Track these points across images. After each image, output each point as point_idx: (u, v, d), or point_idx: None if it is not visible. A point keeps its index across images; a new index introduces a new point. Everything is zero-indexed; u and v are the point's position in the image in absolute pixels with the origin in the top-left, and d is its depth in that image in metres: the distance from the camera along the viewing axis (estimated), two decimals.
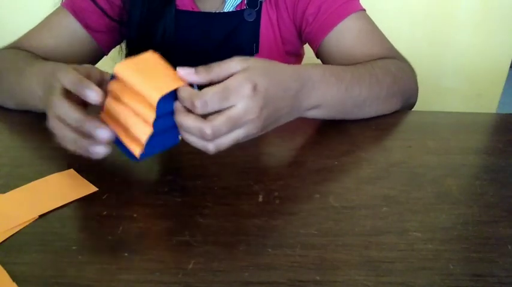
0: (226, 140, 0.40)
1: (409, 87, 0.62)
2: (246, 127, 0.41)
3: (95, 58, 0.73)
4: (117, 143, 0.42)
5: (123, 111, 0.40)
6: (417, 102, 0.66)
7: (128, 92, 0.40)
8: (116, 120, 0.41)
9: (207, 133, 0.38)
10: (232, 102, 0.39)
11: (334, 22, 0.63)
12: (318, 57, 0.69)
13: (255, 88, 0.40)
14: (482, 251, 0.35)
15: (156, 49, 0.43)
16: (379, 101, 0.56)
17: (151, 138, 0.40)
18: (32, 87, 0.52)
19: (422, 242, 0.36)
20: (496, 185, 0.44)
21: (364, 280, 0.32)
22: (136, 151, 0.40)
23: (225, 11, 0.69)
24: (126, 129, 0.41)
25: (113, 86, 0.41)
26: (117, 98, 0.41)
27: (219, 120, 0.39)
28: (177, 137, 0.43)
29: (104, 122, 0.41)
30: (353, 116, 0.56)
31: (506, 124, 0.60)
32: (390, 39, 0.66)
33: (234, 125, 0.39)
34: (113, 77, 0.41)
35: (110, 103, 0.41)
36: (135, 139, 0.40)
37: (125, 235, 0.36)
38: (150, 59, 0.41)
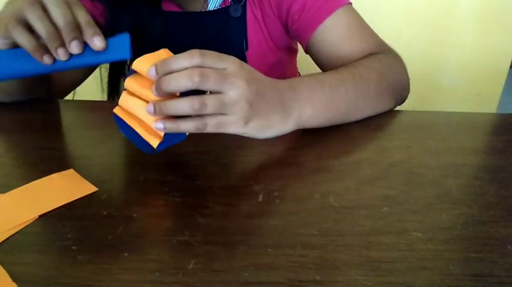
0: (213, 120, 0.41)
1: (398, 81, 0.61)
2: (233, 106, 0.41)
3: None
4: (128, 135, 0.44)
5: (140, 105, 0.42)
6: (417, 102, 0.66)
7: (146, 85, 0.41)
8: (131, 115, 0.43)
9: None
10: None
11: (321, 18, 0.63)
12: (307, 53, 0.69)
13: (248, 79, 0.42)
14: (482, 251, 0.35)
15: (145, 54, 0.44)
16: (371, 98, 0.56)
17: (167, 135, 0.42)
18: None
19: (422, 242, 0.36)
20: (496, 185, 0.44)
21: (364, 280, 0.32)
22: (155, 143, 0.42)
23: (210, 9, 0.69)
24: (142, 123, 0.42)
25: (129, 82, 0.43)
26: (132, 94, 0.43)
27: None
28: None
29: (118, 114, 0.43)
30: (352, 117, 0.56)
31: (506, 124, 0.60)
32: (390, 39, 0.66)
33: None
34: (130, 72, 0.43)
35: (126, 98, 0.43)
36: (152, 131, 0.42)
37: (124, 235, 0.36)
38: (164, 55, 0.43)
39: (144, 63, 0.42)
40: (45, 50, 0.45)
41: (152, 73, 0.40)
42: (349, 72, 0.55)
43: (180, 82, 0.39)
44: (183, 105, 0.40)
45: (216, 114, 0.41)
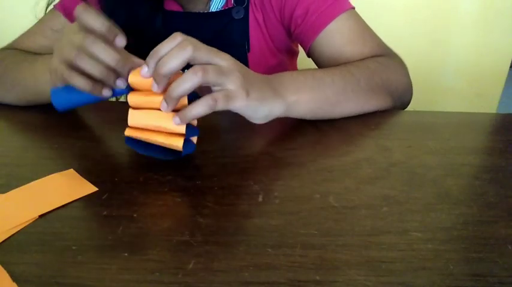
0: (220, 94, 0.43)
1: (396, 81, 0.61)
2: (229, 76, 0.44)
3: None
4: (147, 152, 0.45)
5: (151, 113, 0.43)
6: (417, 102, 0.66)
7: (148, 93, 0.43)
8: (144, 129, 0.44)
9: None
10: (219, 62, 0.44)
11: (324, 23, 0.63)
12: (309, 57, 0.69)
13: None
14: (482, 251, 0.35)
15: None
16: (362, 91, 0.57)
17: (187, 132, 0.43)
18: (45, 71, 0.54)
19: (422, 242, 0.36)
20: (496, 185, 0.44)
21: (364, 280, 0.32)
22: (180, 143, 0.43)
23: (212, 10, 0.69)
24: (158, 132, 0.43)
25: (131, 98, 0.44)
26: (138, 108, 0.44)
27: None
28: (193, 144, 0.47)
29: (131, 135, 0.44)
30: (344, 108, 0.57)
31: (506, 124, 0.60)
32: (390, 39, 0.66)
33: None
34: (128, 89, 0.44)
35: (134, 115, 0.43)
36: (173, 135, 0.43)
37: (124, 235, 0.36)
38: None
39: (137, 73, 0.43)
40: (102, 85, 0.47)
41: (144, 70, 0.42)
42: (338, 68, 0.57)
43: (172, 60, 0.41)
44: (187, 77, 0.41)
45: (220, 90, 0.44)
